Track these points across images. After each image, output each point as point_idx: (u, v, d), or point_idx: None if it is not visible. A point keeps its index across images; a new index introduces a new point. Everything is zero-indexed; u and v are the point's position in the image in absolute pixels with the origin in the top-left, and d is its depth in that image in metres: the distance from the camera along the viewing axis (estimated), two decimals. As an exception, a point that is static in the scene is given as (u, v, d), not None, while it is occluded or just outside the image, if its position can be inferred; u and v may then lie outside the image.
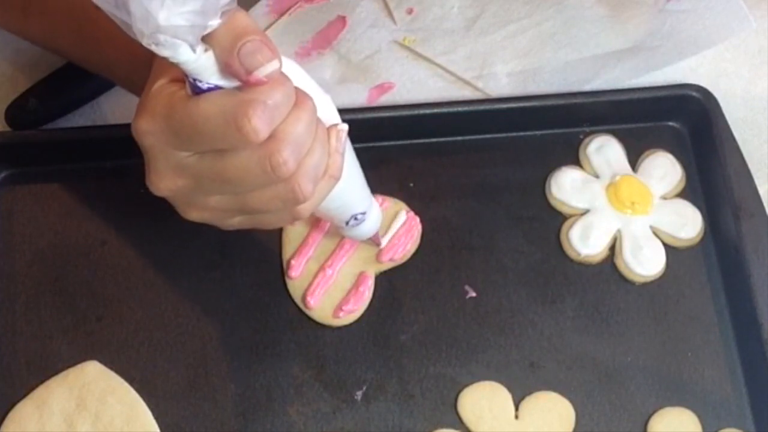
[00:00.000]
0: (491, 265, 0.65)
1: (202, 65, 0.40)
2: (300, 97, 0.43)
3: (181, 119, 0.42)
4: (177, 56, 0.39)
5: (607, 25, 0.74)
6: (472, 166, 0.69)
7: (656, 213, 0.67)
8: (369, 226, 0.59)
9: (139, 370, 0.61)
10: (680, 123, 0.71)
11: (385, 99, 0.72)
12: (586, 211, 0.67)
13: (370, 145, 0.69)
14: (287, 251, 0.65)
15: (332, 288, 0.63)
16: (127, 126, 0.69)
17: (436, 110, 0.69)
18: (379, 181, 0.67)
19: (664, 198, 0.68)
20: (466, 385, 0.61)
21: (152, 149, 0.45)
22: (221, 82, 0.41)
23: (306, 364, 0.62)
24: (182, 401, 0.61)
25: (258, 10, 0.76)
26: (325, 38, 0.75)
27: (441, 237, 0.66)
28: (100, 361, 0.62)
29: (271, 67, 0.41)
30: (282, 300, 0.64)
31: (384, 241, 0.64)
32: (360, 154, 0.69)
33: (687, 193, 0.68)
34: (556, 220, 0.67)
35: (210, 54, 0.40)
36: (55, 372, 0.61)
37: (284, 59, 0.44)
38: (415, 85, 0.73)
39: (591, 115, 0.70)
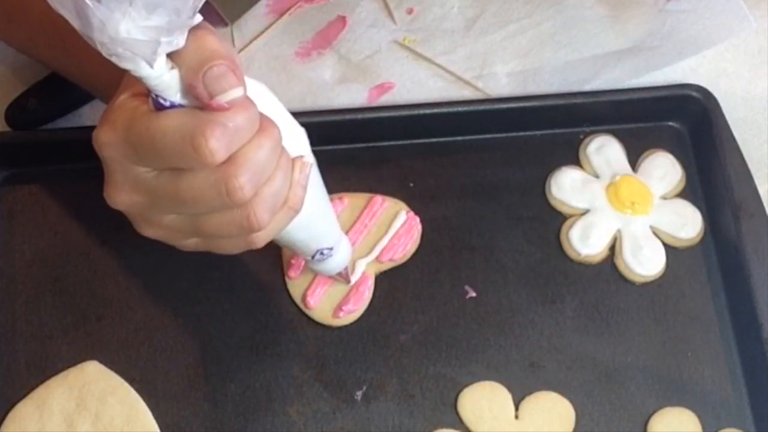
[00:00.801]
0: (491, 265, 0.65)
1: (166, 83, 0.40)
2: (265, 123, 0.42)
3: (139, 133, 0.42)
4: (137, 70, 0.38)
5: (607, 25, 0.74)
6: (472, 166, 0.69)
7: (656, 213, 0.67)
8: (336, 262, 0.58)
9: (139, 370, 0.61)
10: (680, 123, 0.71)
11: (385, 99, 0.72)
12: (586, 211, 0.67)
13: (370, 145, 0.69)
14: (287, 251, 0.65)
15: (332, 288, 0.63)
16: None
17: (436, 110, 0.69)
18: (379, 181, 0.67)
19: (664, 198, 0.68)
20: (466, 385, 0.61)
21: (111, 161, 0.44)
22: (184, 102, 0.41)
23: (306, 364, 0.62)
24: (182, 401, 0.61)
25: (258, 10, 0.76)
26: (325, 38, 0.75)
27: (441, 237, 0.66)
28: (100, 361, 0.62)
29: (234, 93, 0.40)
30: (282, 300, 0.64)
31: (384, 241, 0.64)
32: (360, 154, 0.70)
33: (687, 193, 0.68)
34: (556, 220, 0.67)
35: (175, 72, 0.39)
36: (55, 372, 0.61)
37: (259, 87, 0.44)
38: (415, 85, 0.73)
39: (591, 115, 0.70)
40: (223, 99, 0.40)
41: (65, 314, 0.63)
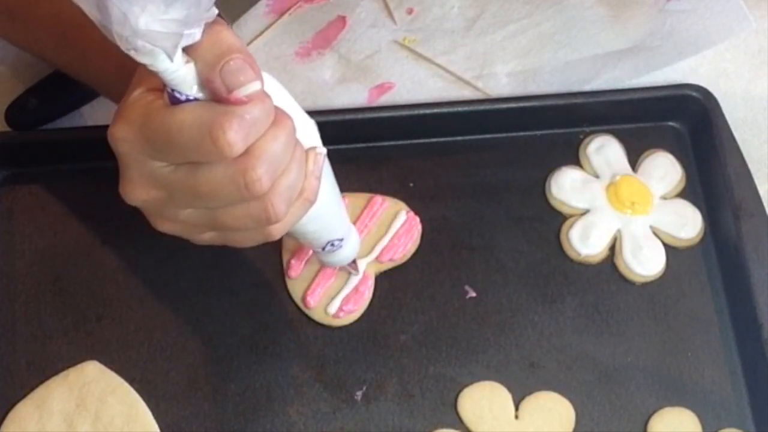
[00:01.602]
0: (491, 265, 0.65)
1: (182, 76, 0.40)
2: (279, 116, 0.43)
3: (156, 128, 0.42)
4: (155, 64, 0.38)
5: (607, 25, 0.74)
6: (472, 166, 0.69)
7: (656, 213, 0.67)
8: (346, 253, 0.59)
9: (139, 370, 0.61)
10: (680, 123, 0.71)
11: (385, 99, 0.72)
12: (586, 211, 0.67)
13: (370, 145, 0.69)
14: (287, 251, 0.65)
15: (332, 288, 0.63)
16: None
17: (436, 110, 0.69)
18: (379, 181, 0.67)
19: (664, 198, 0.68)
20: (466, 385, 0.61)
21: (126, 157, 0.44)
22: (200, 95, 0.41)
23: (306, 364, 0.62)
24: (182, 401, 0.61)
25: (258, 10, 0.76)
26: (325, 38, 0.75)
27: (441, 237, 0.66)
28: (100, 361, 0.61)
29: (252, 87, 0.40)
30: (282, 300, 0.64)
31: (384, 241, 0.64)
32: (360, 154, 0.70)
33: (687, 193, 0.68)
34: (556, 220, 0.67)
35: (191, 66, 0.40)
36: (55, 372, 0.61)
37: (271, 80, 0.44)
38: (415, 85, 0.73)
39: (591, 115, 0.70)
40: (241, 93, 0.40)
41: (65, 314, 0.63)
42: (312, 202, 0.47)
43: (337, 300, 0.63)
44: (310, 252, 0.64)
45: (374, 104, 0.72)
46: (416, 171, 0.68)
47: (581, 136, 0.70)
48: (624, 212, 0.67)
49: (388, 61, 0.74)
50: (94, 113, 0.71)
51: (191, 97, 0.41)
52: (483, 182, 0.68)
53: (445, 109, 0.69)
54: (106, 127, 0.72)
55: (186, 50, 0.39)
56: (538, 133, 0.70)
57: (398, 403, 0.61)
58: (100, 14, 0.36)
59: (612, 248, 0.66)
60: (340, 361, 0.62)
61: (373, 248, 0.65)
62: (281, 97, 0.45)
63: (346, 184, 0.66)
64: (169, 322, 0.63)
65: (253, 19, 0.75)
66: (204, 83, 0.40)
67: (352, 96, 0.72)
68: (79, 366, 0.61)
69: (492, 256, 0.66)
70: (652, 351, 0.62)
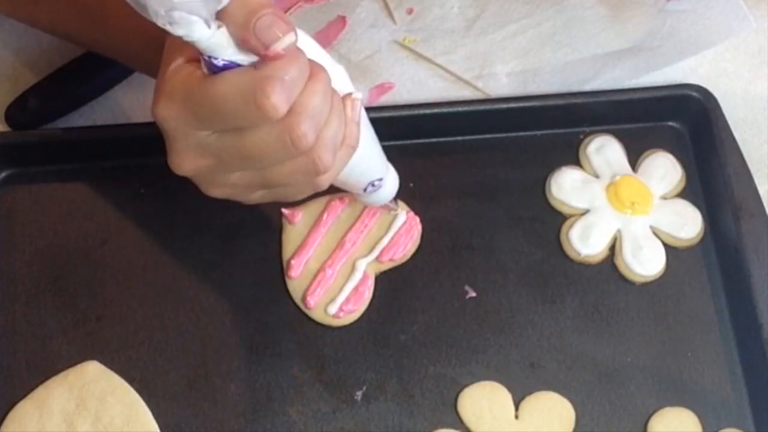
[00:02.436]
0: (491, 265, 0.65)
1: (217, 42, 0.40)
2: (314, 69, 0.43)
3: (199, 100, 0.42)
4: (191, 34, 0.39)
5: (607, 25, 0.74)
6: (472, 166, 0.69)
7: (656, 213, 0.67)
8: (386, 191, 0.59)
9: (139, 370, 0.61)
10: (680, 123, 0.71)
11: (385, 99, 0.72)
12: (586, 211, 0.67)
13: (370, 145, 0.69)
14: (287, 251, 0.65)
15: (332, 288, 0.63)
16: (128, 126, 0.70)
17: (436, 110, 0.69)
18: (379, 181, 0.67)
19: (664, 198, 0.68)
20: (466, 385, 0.61)
21: (173, 131, 0.45)
22: (236, 58, 0.41)
23: (306, 364, 0.62)
24: (182, 401, 0.61)
25: (258, 10, 0.76)
26: (325, 38, 0.75)
27: (441, 237, 0.66)
28: (100, 361, 0.61)
29: (288, 40, 0.41)
30: (282, 300, 0.64)
31: (384, 241, 0.64)
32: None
33: (687, 193, 0.68)
34: (556, 220, 0.67)
35: (223, 30, 0.40)
36: (55, 372, 0.61)
37: (299, 33, 0.44)
38: (415, 85, 0.73)
39: (591, 115, 0.70)
40: (278, 47, 0.40)
41: (65, 314, 0.63)
42: (355, 148, 0.48)
43: (337, 300, 0.63)
44: (311, 252, 0.64)
45: (374, 104, 0.72)
46: (416, 171, 0.68)
47: (581, 136, 0.70)
48: (624, 212, 0.67)
49: (388, 61, 0.74)
50: (94, 113, 0.71)
51: (228, 62, 0.41)
52: (483, 182, 0.68)
53: (445, 109, 0.69)
54: (105, 127, 0.72)
55: (217, 16, 0.39)
56: (538, 133, 0.70)
57: (398, 403, 0.61)
58: None
59: (612, 248, 0.66)
60: (340, 361, 0.62)
61: (373, 248, 0.65)
62: (310, 47, 0.45)
63: (346, 184, 0.66)
64: (169, 322, 0.63)
65: (253, 19, 0.75)
66: (240, 44, 0.41)
67: (352, 96, 0.72)
68: (79, 366, 0.61)
69: (492, 256, 0.66)
70: (652, 351, 0.62)
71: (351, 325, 0.63)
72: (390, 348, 0.62)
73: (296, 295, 0.63)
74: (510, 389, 0.61)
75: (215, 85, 0.42)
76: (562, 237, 0.66)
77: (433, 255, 0.65)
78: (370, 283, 0.64)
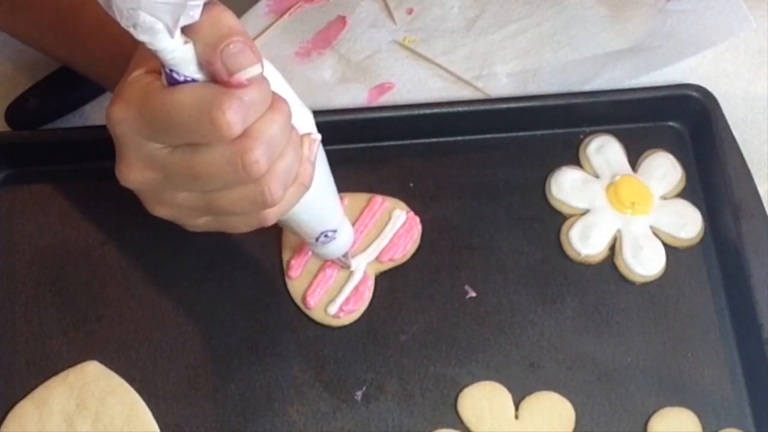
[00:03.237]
0: (491, 265, 0.65)
1: (180, 57, 0.40)
2: (276, 100, 0.43)
3: (154, 108, 0.42)
4: (154, 42, 0.38)
5: (607, 25, 0.74)
6: (472, 166, 0.69)
7: (656, 213, 0.67)
8: (339, 244, 0.58)
9: (139, 370, 0.61)
10: (680, 123, 0.71)
11: (385, 99, 0.72)
12: (586, 211, 0.67)
13: (370, 145, 0.69)
14: (287, 251, 0.65)
15: (332, 288, 0.63)
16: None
17: (436, 110, 0.69)
18: (379, 181, 0.67)
19: (664, 198, 0.68)
20: (466, 385, 0.61)
21: (124, 138, 0.44)
22: (198, 76, 0.41)
23: (306, 364, 0.62)
24: (182, 401, 0.61)
25: (258, 10, 0.76)
26: (325, 38, 0.75)
27: (441, 237, 0.66)
28: (100, 361, 0.62)
29: (253, 71, 0.40)
30: (282, 300, 0.64)
31: (384, 241, 0.64)
32: (360, 154, 0.70)
33: (687, 193, 0.68)
34: (556, 220, 0.67)
35: (190, 47, 0.40)
36: (55, 372, 0.61)
37: (268, 66, 0.44)
38: (415, 85, 0.73)
39: (591, 115, 0.70)
40: (242, 76, 0.40)
41: (65, 314, 0.63)
42: (307, 187, 0.47)
43: (337, 300, 0.63)
44: (311, 252, 0.64)
45: (374, 104, 0.72)
46: (416, 171, 0.68)
47: (581, 136, 0.70)
48: (624, 212, 0.67)
49: (388, 61, 0.74)
50: (94, 113, 0.71)
51: (189, 78, 0.41)
52: (483, 182, 0.68)
53: (445, 109, 0.69)
54: (105, 127, 0.72)
55: (185, 31, 0.39)
56: (538, 133, 0.70)
57: (398, 403, 0.61)
58: None
59: (612, 248, 0.66)
60: (340, 361, 0.62)
61: (373, 248, 0.65)
62: (278, 82, 0.45)
63: (346, 184, 0.66)
64: (169, 322, 0.63)
65: (253, 19, 0.75)
66: (204, 65, 0.40)
67: (352, 96, 0.72)
68: (79, 366, 0.61)
69: (492, 256, 0.66)
70: (652, 351, 0.62)
71: (351, 325, 0.63)
72: (390, 348, 0.62)
73: (296, 295, 0.63)
74: (510, 389, 0.61)
75: (172, 94, 0.41)
76: (562, 237, 0.66)
77: (433, 255, 0.66)
78: (370, 283, 0.64)
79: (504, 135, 0.70)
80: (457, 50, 0.74)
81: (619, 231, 0.66)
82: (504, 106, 0.70)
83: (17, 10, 0.62)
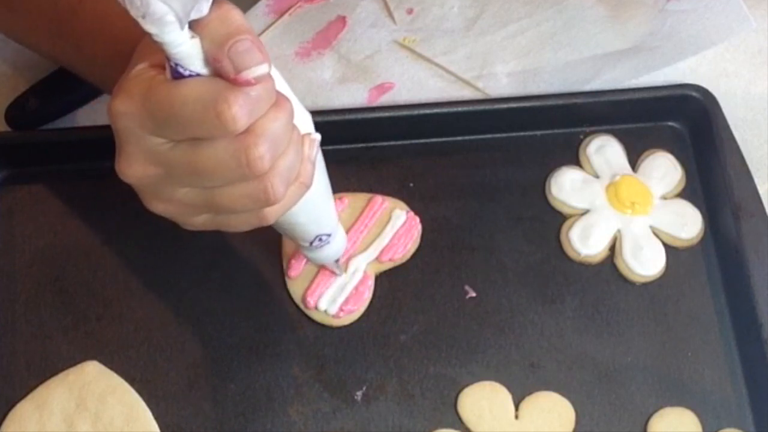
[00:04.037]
0: (491, 265, 0.65)
1: (187, 51, 0.39)
2: (280, 98, 0.43)
3: (158, 101, 0.41)
4: (163, 35, 0.38)
5: (607, 25, 0.74)
6: (472, 166, 0.69)
7: (656, 213, 0.67)
8: (333, 249, 0.58)
9: (139, 370, 0.61)
10: (680, 123, 0.71)
11: (385, 99, 0.72)
12: (586, 211, 0.67)
13: (370, 145, 0.69)
14: (287, 251, 0.65)
15: (332, 288, 0.63)
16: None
17: (436, 110, 0.69)
18: (379, 181, 0.67)
19: (664, 198, 0.68)
20: (466, 385, 0.61)
21: (125, 132, 0.43)
22: (203, 71, 0.40)
23: (306, 364, 0.62)
24: (182, 401, 0.61)
25: (258, 10, 0.76)
26: (325, 38, 0.75)
27: (441, 237, 0.66)
28: (100, 361, 0.62)
29: (261, 69, 0.40)
30: (282, 300, 0.64)
31: (384, 241, 0.64)
32: (360, 154, 0.70)
33: (687, 193, 0.68)
34: (556, 220, 0.67)
35: (196, 42, 0.39)
36: (55, 372, 0.61)
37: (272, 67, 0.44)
38: (415, 85, 0.73)
39: (591, 115, 0.70)
40: (249, 74, 0.40)
41: (65, 314, 0.63)
42: (308, 187, 0.47)
43: (337, 300, 0.63)
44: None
45: (374, 104, 0.72)
46: (416, 171, 0.68)
47: (581, 136, 0.70)
48: (624, 212, 0.67)
49: (388, 61, 0.74)
50: (94, 113, 0.71)
51: (194, 73, 0.40)
52: (483, 182, 0.68)
53: (445, 109, 0.69)
54: (106, 127, 0.72)
55: (192, 26, 0.39)
56: (538, 133, 0.70)
57: (398, 403, 0.61)
58: None
59: (612, 248, 0.66)
60: (340, 361, 0.62)
61: (373, 248, 0.65)
62: (279, 82, 0.45)
63: (346, 184, 0.66)
64: (169, 322, 0.63)
65: (253, 19, 0.75)
66: (210, 61, 0.40)
67: (352, 96, 0.72)
68: (79, 366, 0.61)
69: (492, 256, 0.66)
70: (652, 351, 0.62)
71: (351, 325, 0.63)
72: (390, 348, 0.62)
73: (296, 295, 0.63)
74: (510, 389, 0.61)
75: (177, 88, 0.41)
76: (562, 237, 0.66)
77: (433, 255, 0.66)
78: (370, 283, 0.64)
79: (504, 135, 0.70)
80: (457, 50, 0.74)
81: (619, 231, 0.66)
82: (504, 106, 0.70)
83: (14, 11, 0.61)
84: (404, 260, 0.65)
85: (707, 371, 0.62)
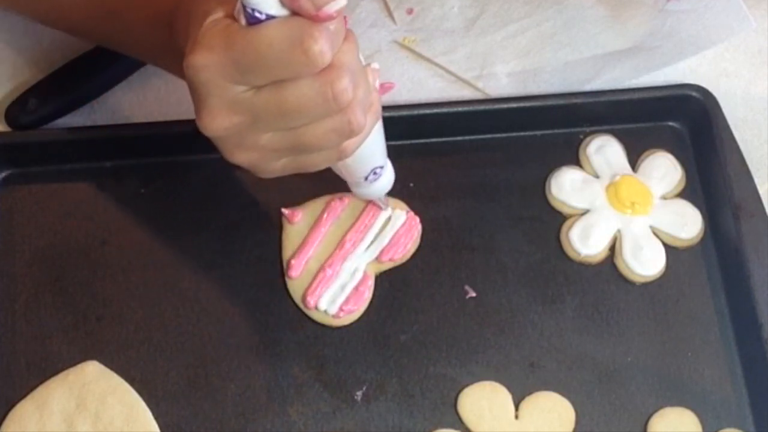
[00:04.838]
0: (491, 265, 0.65)
1: None
2: (347, 32, 0.44)
3: (242, 48, 0.42)
4: None
5: (607, 25, 0.74)
6: (472, 166, 0.69)
7: (656, 213, 0.67)
8: (385, 181, 0.59)
9: (139, 370, 0.61)
10: (680, 123, 0.71)
11: (385, 99, 0.72)
12: (586, 211, 0.67)
13: (370, 145, 0.69)
14: (287, 251, 0.65)
15: (332, 288, 0.63)
16: (128, 126, 0.70)
17: (436, 110, 0.69)
18: (379, 181, 0.67)
19: (664, 198, 0.68)
20: (466, 385, 0.61)
21: (207, 84, 0.44)
22: (280, 13, 0.41)
23: (306, 364, 0.62)
24: (182, 401, 0.61)
25: (258, 10, 0.76)
26: (325, 38, 0.75)
27: (441, 237, 0.66)
28: (100, 361, 0.61)
29: (339, 3, 0.41)
30: (282, 300, 0.64)
31: (384, 241, 0.64)
32: (360, 154, 0.69)
33: (687, 193, 0.68)
34: (556, 220, 0.67)
35: None
36: (55, 372, 0.61)
37: None
38: (415, 85, 0.73)
39: (591, 115, 0.70)
40: (330, 9, 0.41)
41: (65, 314, 0.63)
42: (378, 116, 0.49)
43: (337, 300, 0.63)
44: (311, 252, 0.64)
45: (374, 104, 0.72)
46: (416, 171, 0.68)
47: (581, 136, 0.70)
48: (624, 212, 0.67)
49: (388, 61, 0.74)
50: (94, 113, 0.71)
51: (270, 16, 0.41)
52: (483, 182, 0.68)
53: (445, 109, 0.69)
54: (105, 127, 0.72)
55: None
56: (538, 133, 0.70)
57: (398, 403, 0.61)
58: None
59: (612, 248, 0.66)
60: (340, 361, 0.62)
61: (373, 248, 0.64)
62: None
63: (346, 184, 0.66)
64: (169, 322, 0.63)
65: (253, 19, 0.75)
66: (288, 2, 0.41)
67: (352, 96, 0.72)
68: (79, 366, 0.61)
69: (492, 256, 0.66)
70: (652, 351, 0.62)
71: (351, 325, 0.63)
72: (390, 348, 0.62)
73: (296, 295, 0.63)
74: (510, 389, 0.61)
75: (260, 32, 0.41)
76: (562, 237, 0.66)
77: (433, 255, 0.65)
78: (370, 283, 0.64)
79: (504, 135, 0.70)
80: (457, 50, 0.74)
81: (619, 231, 0.66)
82: (504, 106, 0.70)
83: None
84: (404, 260, 0.65)
85: (707, 371, 0.62)
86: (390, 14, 0.76)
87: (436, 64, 0.74)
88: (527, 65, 0.73)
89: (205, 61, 0.43)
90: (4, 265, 0.65)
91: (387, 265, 0.65)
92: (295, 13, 0.41)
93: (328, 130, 0.45)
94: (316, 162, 0.49)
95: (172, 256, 0.65)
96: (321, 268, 0.64)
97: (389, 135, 0.69)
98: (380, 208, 0.65)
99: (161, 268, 0.65)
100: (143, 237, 0.66)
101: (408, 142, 0.69)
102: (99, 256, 0.65)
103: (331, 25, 0.41)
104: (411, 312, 0.64)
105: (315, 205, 0.66)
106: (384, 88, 0.73)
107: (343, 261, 0.64)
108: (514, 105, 0.70)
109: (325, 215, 0.65)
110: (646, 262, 0.65)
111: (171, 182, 0.67)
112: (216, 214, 0.66)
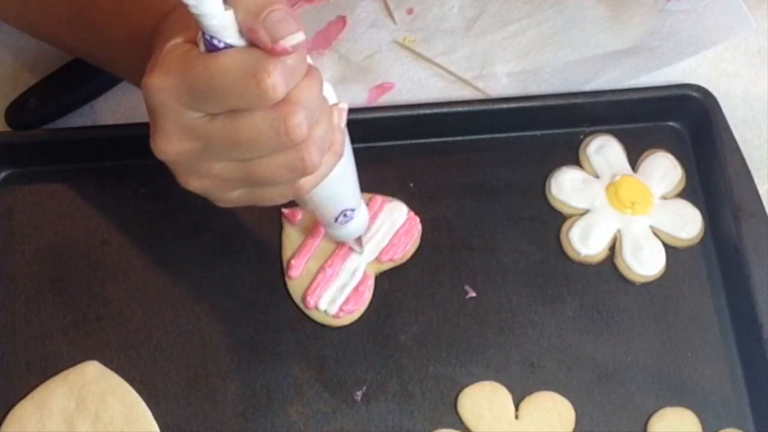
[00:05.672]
0: (491, 265, 0.65)
1: (222, 23, 0.40)
2: (310, 67, 0.44)
3: (197, 74, 0.42)
4: (200, 6, 0.38)
5: (607, 25, 0.74)
6: (472, 166, 0.69)
7: (656, 213, 0.67)
8: (356, 225, 0.59)
9: (139, 370, 0.61)
10: (680, 123, 0.71)
11: (385, 99, 0.72)
12: (586, 211, 0.67)
13: (370, 145, 0.69)
14: (287, 251, 0.65)
15: (332, 288, 0.63)
16: (128, 126, 0.70)
17: (436, 110, 0.69)
18: (379, 181, 0.67)
19: (664, 198, 0.68)
20: (466, 385, 0.61)
21: (162, 108, 0.44)
22: (238, 43, 0.41)
23: (306, 364, 0.62)
24: (182, 401, 0.61)
25: (258, 10, 0.76)
26: (325, 38, 0.75)
27: (441, 237, 0.66)
28: (100, 361, 0.62)
29: (296, 38, 0.40)
30: (282, 300, 0.64)
31: (384, 241, 0.64)
32: (360, 154, 0.69)
33: (687, 193, 0.68)
34: (556, 220, 0.67)
35: (230, 13, 0.40)
36: (55, 372, 0.61)
37: None
38: (415, 85, 0.73)
39: (591, 115, 0.70)
40: (286, 43, 0.40)
41: (65, 314, 0.63)
42: (340, 156, 0.48)
43: (337, 300, 0.63)
44: (311, 252, 0.64)
45: (374, 104, 0.72)
46: (416, 171, 0.68)
47: (581, 136, 0.70)
48: (624, 212, 0.67)
49: (388, 61, 0.74)
50: (94, 113, 0.71)
51: (229, 45, 0.41)
52: (483, 182, 0.68)
53: (445, 109, 0.69)
54: (105, 127, 0.72)
55: None
56: (538, 133, 0.70)
57: (398, 403, 0.61)
58: None
59: (612, 248, 0.66)
60: (340, 361, 0.62)
61: (373, 248, 0.64)
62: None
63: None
64: (169, 322, 0.63)
65: (253, 19, 0.75)
66: (245, 32, 0.40)
67: (352, 96, 0.72)
68: (79, 366, 0.61)
69: (492, 256, 0.66)
70: (652, 351, 0.62)
71: (351, 325, 0.63)
72: (390, 348, 0.62)
73: (296, 295, 0.63)
74: (510, 389, 0.61)
75: (216, 59, 0.41)
76: (562, 237, 0.66)
77: (433, 255, 0.65)
78: (370, 283, 0.64)
79: (504, 135, 0.70)
80: (457, 50, 0.74)
81: (619, 231, 0.66)
82: (504, 106, 0.70)
83: (29, 4, 0.61)
84: (404, 260, 0.65)
85: (707, 371, 0.62)
86: (390, 14, 0.76)
87: (436, 64, 0.74)
88: (527, 65, 0.73)
89: (161, 83, 0.43)
90: (4, 265, 0.65)
91: (387, 265, 0.65)
92: (253, 44, 0.41)
93: (281, 165, 0.44)
94: (271, 196, 0.48)
95: (172, 256, 0.65)
96: (321, 268, 0.64)
97: (389, 135, 0.69)
98: (354, 251, 0.64)
99: (161, 268, 0.65)
100: (143, 237, 0.66)
101: (408, 142, 0.69)
102: (99, 256, 0.65)
103: (289, 60, 0.41)
104: (411, 312, 0.64)
105: (315, 205, 0.66)
106: (384, 88, 0.73)
107: (343, 261, 0.64)
108: (514, 105, 0.70)
109: (325, 215, 0.65)
110: (646, 262, 0.65)
111: (171, 182, 0.67)
112: (216, 214, 0.66)
